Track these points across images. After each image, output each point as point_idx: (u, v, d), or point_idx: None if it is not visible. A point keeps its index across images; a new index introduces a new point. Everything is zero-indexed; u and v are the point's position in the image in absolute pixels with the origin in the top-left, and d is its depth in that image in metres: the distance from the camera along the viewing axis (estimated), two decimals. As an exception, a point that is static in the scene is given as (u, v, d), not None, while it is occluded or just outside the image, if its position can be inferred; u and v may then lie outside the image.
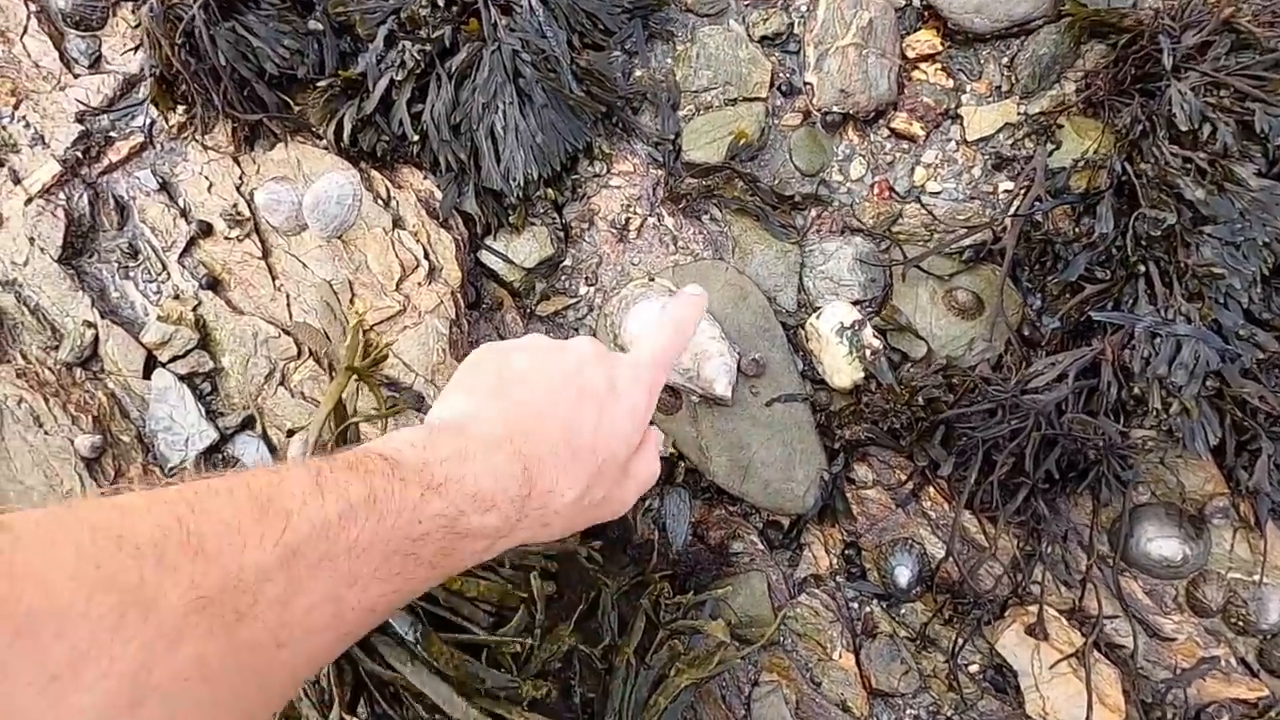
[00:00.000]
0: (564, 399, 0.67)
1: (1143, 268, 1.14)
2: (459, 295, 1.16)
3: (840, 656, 1.11)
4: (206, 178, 1.26)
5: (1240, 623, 1.09)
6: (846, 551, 1.18)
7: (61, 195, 1.24)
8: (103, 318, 1.20)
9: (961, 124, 1.31)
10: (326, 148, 1.22)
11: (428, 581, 0.58)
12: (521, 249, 1.25)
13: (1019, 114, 1.31)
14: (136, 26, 1.28)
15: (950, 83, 1.33)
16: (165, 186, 1.28)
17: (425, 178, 1.24)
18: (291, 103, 1.25)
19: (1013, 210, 1.24)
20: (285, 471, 0.51)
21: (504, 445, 0.62)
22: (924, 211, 1.28)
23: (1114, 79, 1.26)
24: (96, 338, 1.19)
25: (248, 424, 1.17)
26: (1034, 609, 1.09)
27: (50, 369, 1.17)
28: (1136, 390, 1.11)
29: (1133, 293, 1.15)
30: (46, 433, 1.12)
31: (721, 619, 1.10)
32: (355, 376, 1.00)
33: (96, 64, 1.33)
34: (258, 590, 0.45)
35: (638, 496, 0.74)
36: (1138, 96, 1.23)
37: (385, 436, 0.61)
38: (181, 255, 1.24)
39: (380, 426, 0.99)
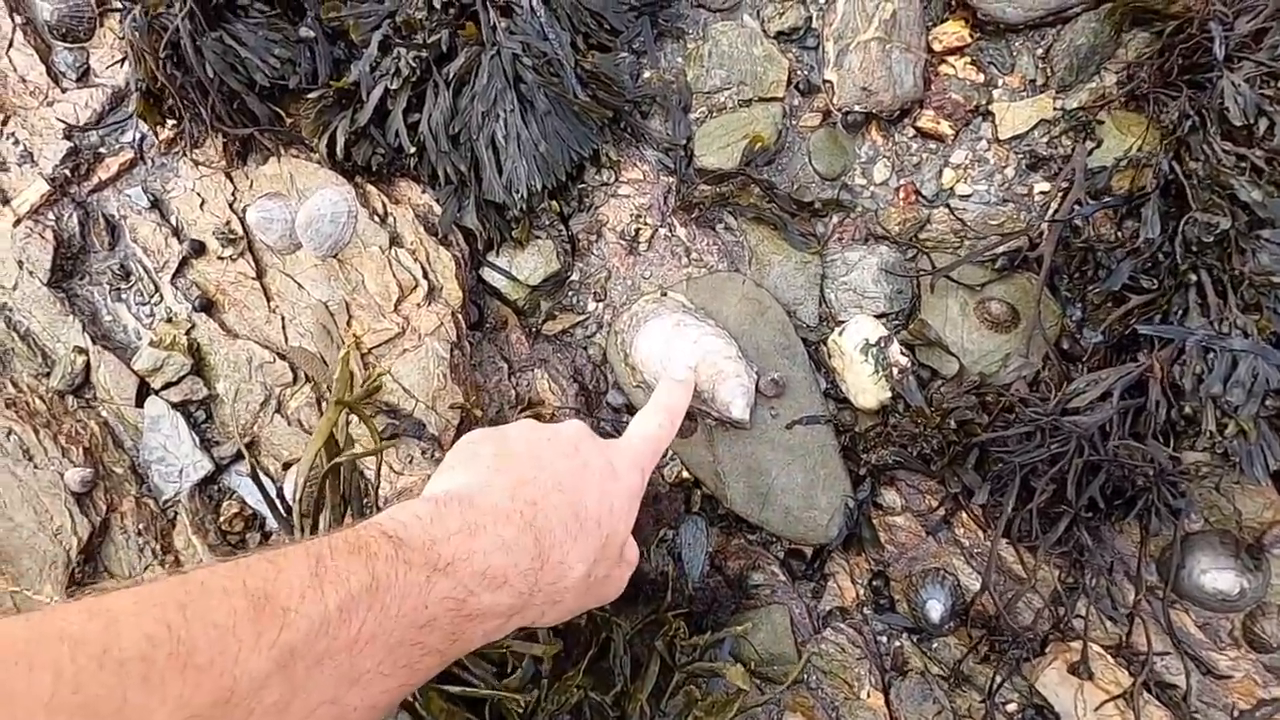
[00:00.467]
0: (567, 475, 0.67)
1: (1193, 276, 1.06)
2: (460, 316, 1.10)
3: (869, 696, 1.05)
4: (199, 194, 1.21)
5: (1303, 660, 1.01)
6: (874, 582, 1.11)
7: (50, 215, 1.20)
8: (94, 343, 1.16)
9: (993, 121, 1.23)
10: (320, 162, 1.16)
11: (434, 670, 0.55)
12: (526, 264, 1.18)
13: (1055, 109, 1.22)
14: (122, 37, 1.22)
15: (980, 77, 1.24)
16: (157, 204, 1.23)
17: (423, 192, 1.18)
18: (284, 115, 1.20)
19: (1050, 214, 1.15)
20: (283, 561, 0.48)
21: (514, 517, 0.61)
22: (953, 217, 1.20)
23: (1159, 70, 1.17)
24: (88, 364, 1.15)
25: (243, 454, 1.12)
26: (1077, 645, 1.02)
27: (41, 397, 1.13)
28: (1188, 410, 1.03)
29: (1182, 304, 1.07)
30: (36, 466, 1.08)
31: (742, 659, 1.04)
32: (347, 410, 0.94)
33: (85, 77, 1.29)
34: (253, 700, 0.42)
35: (627, 581, 0.74)
36: (1186, 89, 1.14)
37: (390, 510, 0.59)
38: (174, 276, 1.19)
39: (376, 461, 0.94)
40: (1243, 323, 1.02)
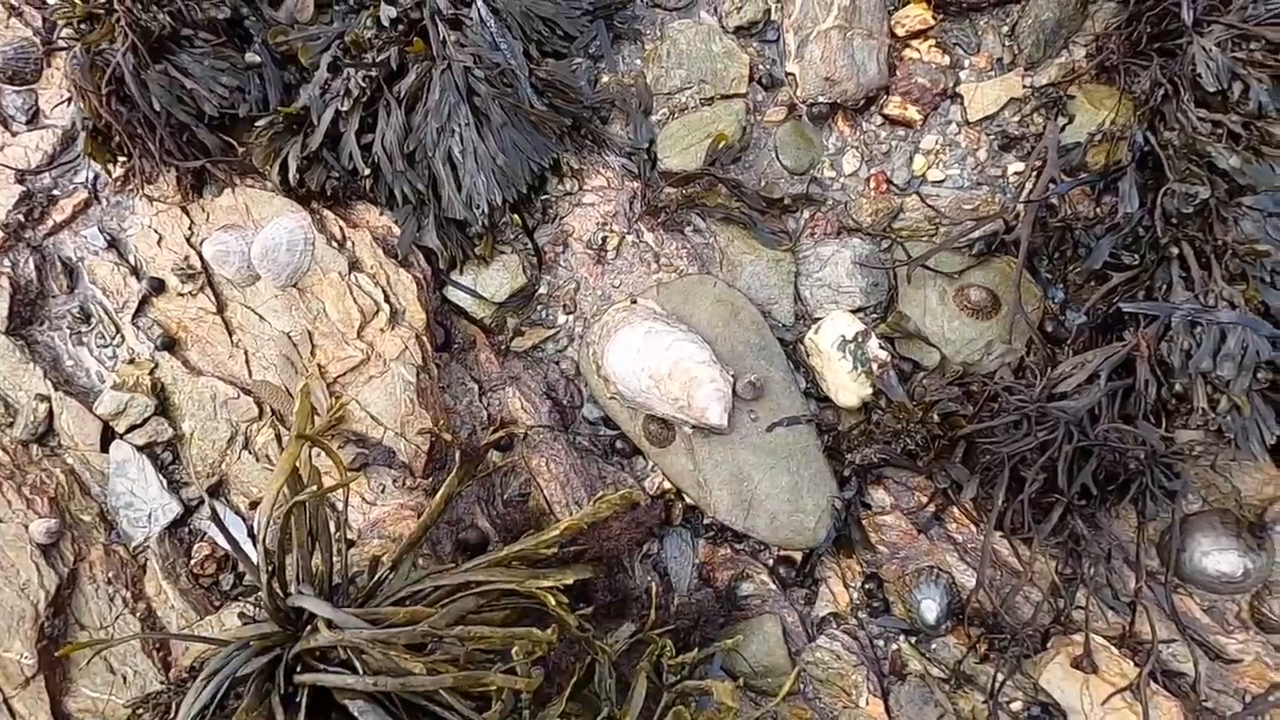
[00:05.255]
0: None
1: (1175, 249, 1.02)
2: (425, 338, 1.08)
3: (867, 703, 1.01)
4: (155, 230, 1.19)
5: (1315, 639, 0.97)
6: (867, 585, 1.08)
7: (6, 262, 1.17)
8: (56, 389, 1.13)
9: (962, 103, 1.20)
10: (275, 190, 1.14)
11: None
12: (491, 281, 1.15)
13: (1025, 87, 1.19)
14: (69, 76, 1.20)
15: (946, 59, 1.21)
16: (114, 243, 1.21)
17: (381, 214, 1.15)
18: (236, 144, 1.17)
19: (1025, 195, 1.12)
20: None
21: None
22: (926, 204, 1.17)
23: (1128, 40, 1.14)
24: (51, 411, 1.12)
25: (213, 493, 1.10)
26: (1079, 638, 0.99)
27: (4, 448, 1.10)
28: (1178, 388, 0.99)
29: (1166, 278, 1.04)
30: (1, 520, 1.05)
31: (734, 673, 1.01)
32: (310, 443, 0.91)
33: (34, 119, 1.26)
34: None
35: None
36: (1156, 57, 1.10)
37: None
38: (135, 315, 1.17)
39: (344, 493, 0.91)
40: (1229, 294, 0.98)
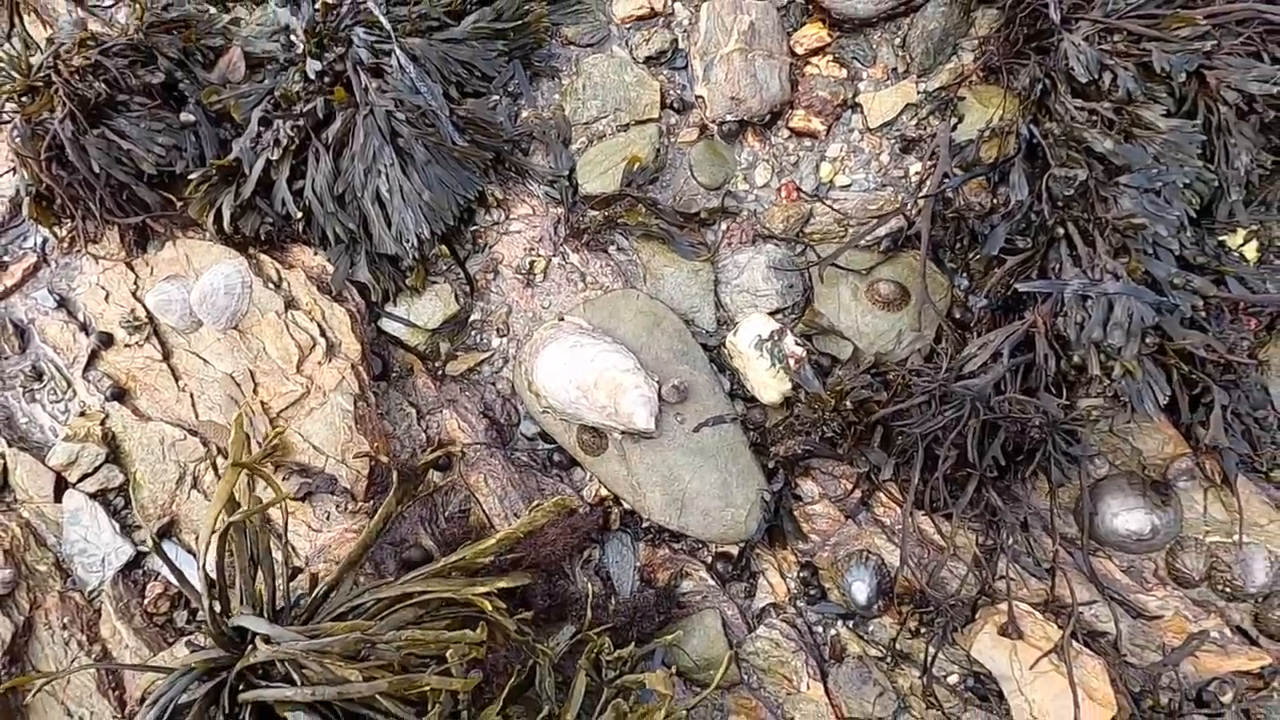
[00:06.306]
0: None
1: (1061, 230, 1.08)
2: (361, 368, 1.12)
3: (808, 688, 1.04)
4: (103, 287, 1.24)
5: (1227, 588, 1.01)
6: (802, 574, 1.11)
7: (-41, 328, 1.22)
8: (10, 446, 1.17)
9: (862, 112, 1.27)
10: (214, 239, 1.19)
11: None
12: (424, 310, 1.21)
13: (919, 92, 1.26)
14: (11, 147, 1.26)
15: (844, 73, 1.28)
16: (64, 302, 1.26)
17: (315, 254, 1.20)
18: (175, 199, 1.23)
19: (921, 191, 1.18)
20: None
21: None
22: (834, 209, 1.23)
23: (1007, 41, 1.21)
24: (4, 466, 1.16)
25: (164, 534, 1.13)
26: (1005, 607, 1.02)
27: (-39, 507, 1.13)
28: (1076, 359, 1.04)
29: (1057, 257, 1.09)
30: (-43, 574, 1.08)
31: (674, 666, 1.03)
32: (249, 472, 0.95)
33: (-17, 191, 1.32)
34: None
35: None
36: (1034, 55, 1.18)
37: None
38: (85, 369, 1.21)
39: (284, 516, 0.94)
40: (1112, 266, 1.04)
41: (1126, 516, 1.01)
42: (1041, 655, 0.98)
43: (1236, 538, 0.99)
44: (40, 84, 1.18)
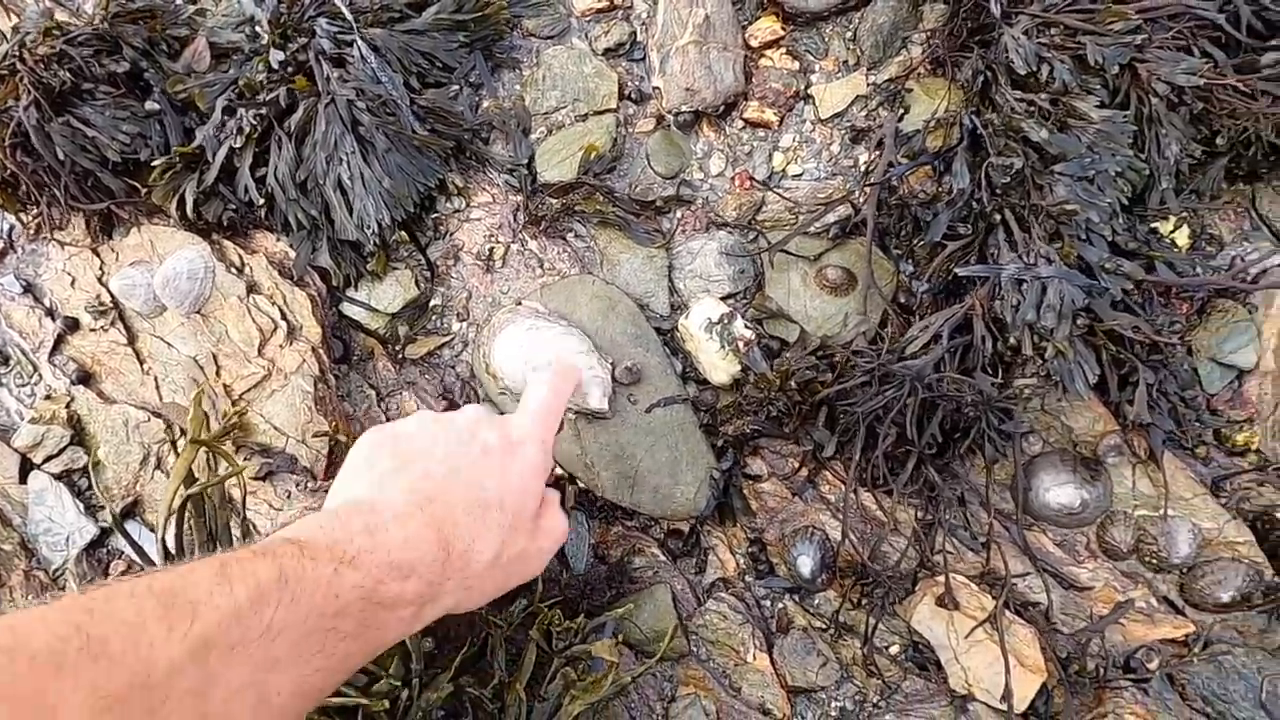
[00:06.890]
0: (464, 462, 0.70)
1: (999, 216, 1.12)
2: (321, 351, 1.15)
3: (755, 658, 1.08)
4: (69, 273, 1.26)
5: (1154, 560, 1.05)
6: (751, 550, 1.15)
7: (-75, 313, 1.23)
8: (-24, 429, 1.19)
9: (814, 103, 1.30)
10: (177, 226, 1.21)
11: (355, 657, 0.57)
12: (385, 295, 1.23)
13: (869, 84, 1.30)
14: (-21, 135, 1.27)
15: (796, 65, 1.32)
16: (30, 288, 1.28)
17: (278, 239, 1.23)
18: (140, 186, 1.25)
19: (867, 179, 1.22)
20: (189, 567, 0.51)
21: (415, 515, 0.64)
22: (785, 197, 1.27)
23: (952, 34, 1.25)
24: (-29, 450, 1.18)
25: (128, 514, 1.15)
26: (943, 579, 1.06)
27: (-73, 488, 1.15)
28: (1012, 340, 1.08)
29: (995, 243, 1.13)
30: (-78, 553, 1.10)
31: (628, 640, 1.07)
32: (207, 449, 0.98)
33: (-50, 179, 1.33)
34: (169, 686, 0.44)
35: (552, 553, 0.76)
36: (977, 48, 1.22)
37: (292, 525, 0.61)
38: (51, 354, 1.23)
39: (240, 484, 0.97)
40: (1046, 251, 1.08)
41: (1058, 491, 1.05)
42: (976, 625, 1.02)
43: (1162, 511, 1.03)
44: (5, 72, 1.20)
